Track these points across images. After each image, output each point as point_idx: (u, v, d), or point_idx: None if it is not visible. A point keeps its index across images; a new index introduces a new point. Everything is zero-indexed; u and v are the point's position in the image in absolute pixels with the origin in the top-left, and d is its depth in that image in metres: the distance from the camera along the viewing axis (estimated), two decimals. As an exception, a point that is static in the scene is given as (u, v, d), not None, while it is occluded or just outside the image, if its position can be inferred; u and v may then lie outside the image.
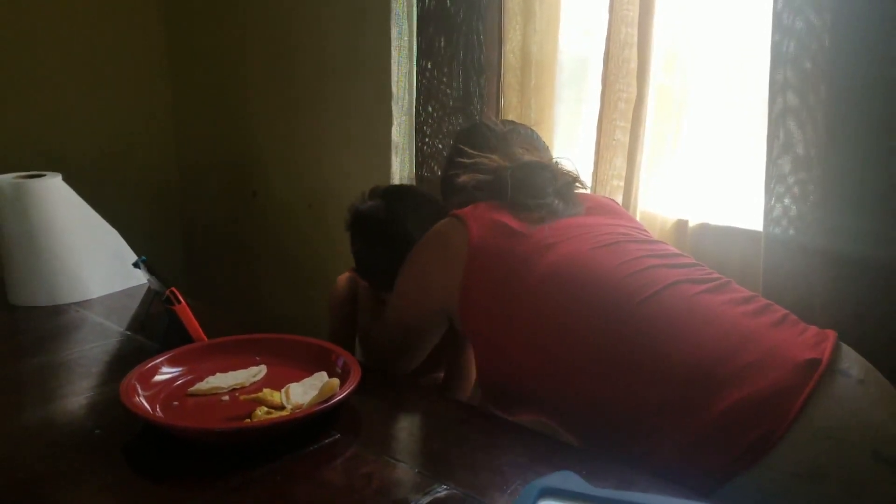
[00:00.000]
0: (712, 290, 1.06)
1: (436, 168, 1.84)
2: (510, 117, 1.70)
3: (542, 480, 0.77)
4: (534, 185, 1.21)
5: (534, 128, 1.66)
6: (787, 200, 1.26)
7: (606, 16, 1.46)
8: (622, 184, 1.49)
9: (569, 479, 0.78)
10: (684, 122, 1.45)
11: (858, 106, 1.16)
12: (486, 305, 1.12)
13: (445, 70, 1.78)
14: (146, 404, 1.01)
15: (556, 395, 1.07)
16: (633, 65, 1.45)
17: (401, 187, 1.60)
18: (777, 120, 1.24)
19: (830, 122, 1.18)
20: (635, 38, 1.44)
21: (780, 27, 1.21)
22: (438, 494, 0.84)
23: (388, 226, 1.36)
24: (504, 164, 1.25)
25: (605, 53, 1.47)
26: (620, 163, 1.49)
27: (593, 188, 1.53)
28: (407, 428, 1.06)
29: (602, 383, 1.02)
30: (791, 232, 1.26)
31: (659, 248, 1.15)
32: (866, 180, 1.17)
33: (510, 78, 1.69)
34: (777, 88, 1.23)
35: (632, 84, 1.45)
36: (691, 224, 1.46)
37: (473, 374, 1.47)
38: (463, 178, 1.25)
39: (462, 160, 1.27)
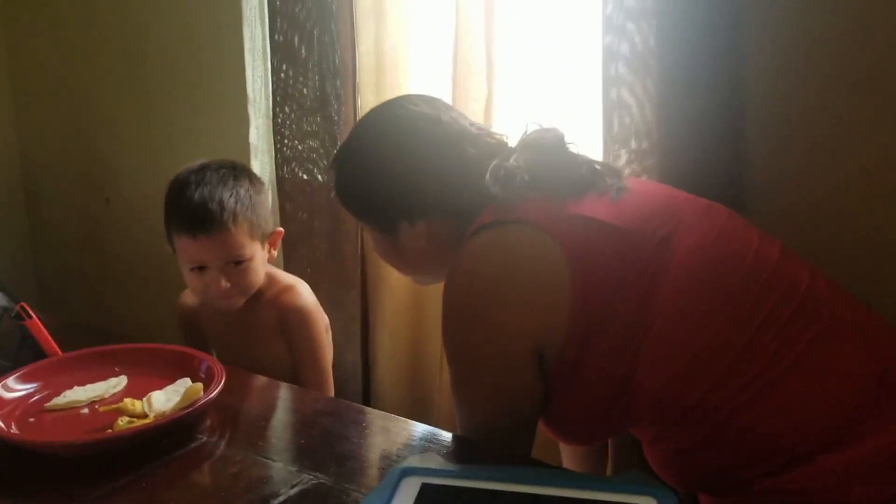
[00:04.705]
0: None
1: (297, 170, 1.84)
2: (367, 117, 1.73)
3: (404, 462, 0.82)
4: (563, 157, 0.99)
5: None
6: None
7: (454, 17, 1.51)
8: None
9: (429, 459, 0.83)
10: (529, 117, 1.52)
11: (680, 102, 1.27)
12: (606, 346, 0.88)
13: (301, 71, 1.78)
14: (0, 423, 0.98)
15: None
16: (482, 65, 1.51)
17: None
18: (610, 113, 1.33)
19: (657, 117, 1.29)
20: (481, 39, 1.49)
21: (610, 28, 1.31)
22: (306, 486, 0.87)
23: None
24: (504, 140, 1.04)
25: (453, 55, 1.52)
26: (474, 160, 1.55)
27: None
28: (273, 425, 1.07)
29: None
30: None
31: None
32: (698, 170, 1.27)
33: (366, 78, 1.71)
34: (610, 84, 1.32)
35: (481, 83, 1.52)
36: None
37: (329, 369, 1.50)
38: (494, 168, 0.96)
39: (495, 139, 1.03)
